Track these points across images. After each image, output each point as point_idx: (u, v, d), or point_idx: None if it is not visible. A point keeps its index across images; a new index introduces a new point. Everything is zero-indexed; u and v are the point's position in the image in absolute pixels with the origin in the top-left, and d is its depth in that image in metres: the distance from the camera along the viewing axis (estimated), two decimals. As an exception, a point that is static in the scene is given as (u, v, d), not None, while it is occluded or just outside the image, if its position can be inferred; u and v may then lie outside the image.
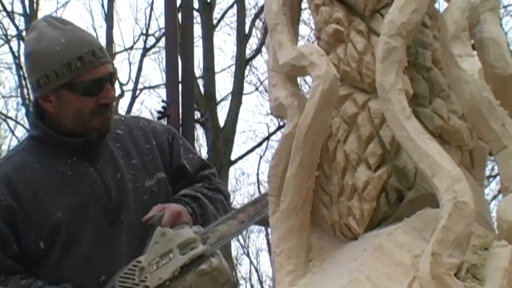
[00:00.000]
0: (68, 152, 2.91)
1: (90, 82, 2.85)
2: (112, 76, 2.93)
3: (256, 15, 16.87)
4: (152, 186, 2.96)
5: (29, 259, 2.81)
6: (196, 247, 2.68)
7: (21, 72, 16.73)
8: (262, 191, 17.56)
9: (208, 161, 3.36)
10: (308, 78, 2.01)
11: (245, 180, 22.12)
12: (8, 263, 2.79)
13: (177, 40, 6.58)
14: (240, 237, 19.42)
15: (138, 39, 18.26)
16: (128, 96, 17.66)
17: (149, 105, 23.57)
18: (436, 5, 2.09)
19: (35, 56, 2.90)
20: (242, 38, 16.27)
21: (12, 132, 17.61)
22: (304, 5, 2.22)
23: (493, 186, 13.68)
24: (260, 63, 17.80)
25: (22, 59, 16.83)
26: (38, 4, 17.28)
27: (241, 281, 19.93)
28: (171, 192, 3.02)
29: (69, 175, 2.89)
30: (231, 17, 17.22)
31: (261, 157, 18.67)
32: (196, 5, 14.25)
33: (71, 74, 2.83)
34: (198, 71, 14.73)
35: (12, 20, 17.21)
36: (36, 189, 2.84)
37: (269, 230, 2.15)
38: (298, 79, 2.18)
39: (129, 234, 2.88)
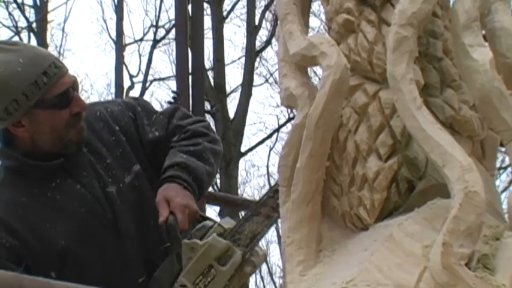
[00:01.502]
0: (48, 176, 2.82)
1: (60, 94, 2.76)
2: (75, 84, 2.85)
3: (266, 7, 16.87)
4: (133, 181, 2.89)
5: None
6: (233, 254, 2.65)
7: None
8: (272, 183, 17.57)
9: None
10: (318, 71, 2.01)
11: (255, 172, 22.11)
12: None
13: (187, 32, 6.58)
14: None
15: (148, 31, 18.30)
16: (138, 88, 17.69)
17: (159, 97, 23.59)
18: (447, -5, 2.08)
19: None
20: (252, 30, 16.27)
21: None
22: (314, -4, 2.22)
23: (504, 177, 13.65)
24: (270, 54, 17.82)
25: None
26: (48, -4, 17.30)
27: (251, 273, 19.95)
28: (152, 178, 2.93)
29: (59, 199, 2.80)
30: (241, 8, 17.24)
31: (271, 149, 18.69)
32: (206, -4, 14.25)
33: (39, 91, 2.73)
34: (208, 62, 14.74)
35: (23, 12, 17.26)
36: (31, 223, 2.76)
37: (279, 221, 2.14)
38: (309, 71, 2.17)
39: (129, 240, 2.84)
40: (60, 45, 18.63)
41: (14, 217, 2.75)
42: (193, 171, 2.87)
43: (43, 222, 2.76)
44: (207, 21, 14.07)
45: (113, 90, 17.97)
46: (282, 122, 17.94)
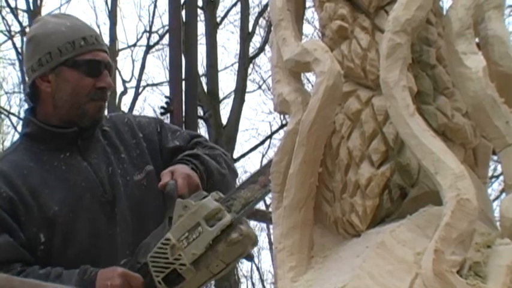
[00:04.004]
0: (61, 147, 2.94)
1: (91, 62, 2.93)
2: (110, 66, 2.99)
3: (260, 14, 16.88)
4: (141, 180, 2.98)
5: (33, 252, 2.81)
6: (223, 217, 2.65)
7: (24, 69, 16.73)
8: (264, 189, 17.55)
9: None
10: (311, 77, 2.01)
11: (247, 178, 22.04)
12: (21, 251, 2.80)
13: (180, 37, 6.58)
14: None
15: (141, 37, 18.28)
16: (130, 93, 17.66)
17: (152, 103, 23.62)
18: (441, 3, 2.08)
19: (39, 37, 2.97)
20: (245, 36, 16.28)
21: (15, 128, 17.62)
22: (308, 3, 2.22)
23: (496, 186, 13.66)
24: (263, 61, 17.81)
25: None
26: (41, 0, 17.29)
27: (243, 279, 19.94)
28: None
29: (64, 169, 2.91)
30: (235, 14, 17.24)
31: (263, 155, 18.66)
32: (200, 2, 14.26)
33: (74, 51, 2.91)
34: (201, 68, 14.74)
35: (16, 16, 17.25)
36: (32, 184, 2.86)
37: (271, 228, 2.15)
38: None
39: (123, 226, 2.90)
40: (54, 50, 18.61)
41: (17, 175, 2.87)
42: (204, 162, 2.96)
43: (43, 186, 2.87)
44: (201, 27, 14.09)
45: (105, 95, 17.88)
46: (274, 128, 17.95)
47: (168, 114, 6.05)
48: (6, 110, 17.88)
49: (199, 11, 14.08)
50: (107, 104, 3.07)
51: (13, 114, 17.78)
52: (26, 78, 3.10)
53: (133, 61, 18.16)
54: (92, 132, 2.99)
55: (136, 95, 17.40)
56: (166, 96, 6.20)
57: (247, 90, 16.48)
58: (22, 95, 17.26)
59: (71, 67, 2.92)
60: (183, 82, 6.33)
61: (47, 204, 2.84)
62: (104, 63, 2.96)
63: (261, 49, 16.83)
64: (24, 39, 16.94)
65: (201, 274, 2.67)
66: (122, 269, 2.73)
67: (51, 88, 2.94)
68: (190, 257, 2.64)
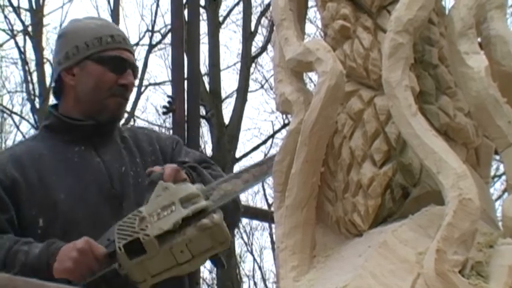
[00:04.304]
0: (76, 140, 2.98)
1: (116, 58, 2.99)
2: (135, 66, 3.07)
3: (262, 13, 16.86)
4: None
5: (27, 234, 2.82)
6: (198, 202, 2.65)
7: (26, 68, 16.74)
8: (266, 188, 17.58)
9: (213, 158, 3.37)
10: (313, 77, 2.02)
11: (249, 178, 22.05)
12: (2, 221, 2.81)
13: (183, 37, 6.56)
14: (243, 234, 19.42)
15: (143, 36, 18.26)
16: (133, 92, 17.62)
17: (154, 102, 23.57)
18: (443, 2, 2.09)
19: (68, 33, 3.08)
20: (248, 36, 16.26)
21: (17, 127, 17.62)
22: (310, 2, 2.22)
23: (498, 186, 13.65)
24: (266, 61, 17.80)
25: (28, 54, 16.89)
26: (44, -1, 17.27)
27: (245, 279, 19.93)
28: None
29: (75, 161, 2.95)
30: (237, 14, 17.22)
31: (265, 155, 18.64)
32: (202, 1, 14.25)
33: (100, 46, 2.99)
34: (203, 68, 14.73)
35: (19, 15, 17.23)
36: (42, 170, 2.90)
37: (273, 227, 2.15)
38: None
39: None
40: (56, 49, 18.63)
41: (28, 158, 2.93)
42: (200, 174, 2.95)
43: (52, 173, 2.91)
44: (203, 27, 14.07)
45: (108, 94, 17.87)
46: (276, 128, 17.92)
47: (170, 114, 6.04)
48: (8, 109, 17.87)
49: (202, 10, 14.08)
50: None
51: (15, 113, 17.78)
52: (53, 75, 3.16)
53: (135, 60, 18.15)
54: (109, 130, 3.03)
55: (139, 94, 17.39)
56: (168, 96, 6.19)
57: (249, 89, 16.47)
58: (24, 94, 17.28)
59: (95, 61, 2.98)
60: (185, 81, 6.32)
61: (52, 191, 2.87)
62: (129, 62, 3.03)
63: (264, 48, 16.82)
64: (27, 38, 16.98)
65: (164, 255, 2.60)
66: (87, 238, 2.72)
67: (74, 81, 3.00)
68: (156, 231, 2.60)
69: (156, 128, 15.11)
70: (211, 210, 2.65)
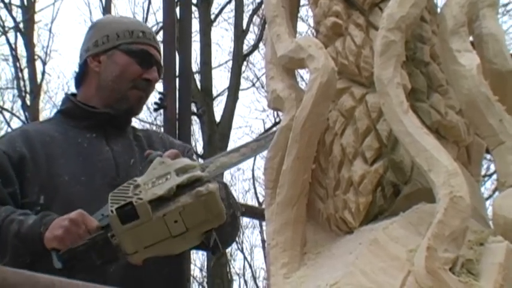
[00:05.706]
0: (89, 126, 3.00)
1: (144, 52, 3.01)
2: (160, 65, 3.10)
3: (254, 11, 16.85)
4: None
5: (29, 209, 2.82)
6: (193, 171, 2.66)
7: (17, 64, 16.69)
8: (257, 187, 17.58)
9: (204, 156, 3.38)
10: (305, 75, 2.01)
11: (240, 176, 22.09)
12: (4, 194, 2.82)
13: (174, 34, 6.55)
14: (234, 232, 19.38)
15: (135, 33, 18.21)
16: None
17: (146, 99, 23.52)
18: (435, 0, 2.09)
19: (100, 24, 3.14)
20: (239, 34, 16.25)
21: (8, 123, 17.55)
22: (302, 0, 2.22)
23: (488, 185, 13.68)
24: (257, 59, 17.78)
25: (19, 51, 16.85)
26: (35, -4, 17.23)
27: (235, 277, 19.92)
28: None
29: (85, 147, 2.96)
30: (229, 12, 17.20)
31: (256, 153, 18.63)
32: (194, -1, 14.24)
33: (130, 38, 3.03)
34: (195, 65, 14.71)
35: (10, 12, 17.17)
36: (51, 151, 2.91)
37: (263, 225, 2.14)
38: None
39: None
40: (47, 46, 18.53)
41: (39, 139, 2.95)
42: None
43: (60, 156, 2.92)
44: (195, 25, 14.06)
45: (99, 91, 17.84)
46: (268, 126, 17.91)
47: (161, 111, 6.03)
48: (-1, 106, 17.82)
49: (194, 8, 14.06)
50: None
51: (6, 109, 17.71)
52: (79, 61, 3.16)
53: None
54: (124, 122, 3.05)
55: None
56: (159, 92, 6.17)
57: (240, 87, 16.45)
58: (15, 91, 17.22)
59: (124, 52, 3.01)
60: (177, 79, 6.31)
61: (57, 172, 2.88)
62: (155, 60, 3.05)
63: (255, 47, 16.81)
64: (19, 35, 16.93)
65: (157, 223, 2.55)
66: (82, 210, 2.72)
67: (99, 68, 3.02)
68: (150, 196, 2.57)
69: (147, 126, 15.09)
70: (207, 180, 2.64)
